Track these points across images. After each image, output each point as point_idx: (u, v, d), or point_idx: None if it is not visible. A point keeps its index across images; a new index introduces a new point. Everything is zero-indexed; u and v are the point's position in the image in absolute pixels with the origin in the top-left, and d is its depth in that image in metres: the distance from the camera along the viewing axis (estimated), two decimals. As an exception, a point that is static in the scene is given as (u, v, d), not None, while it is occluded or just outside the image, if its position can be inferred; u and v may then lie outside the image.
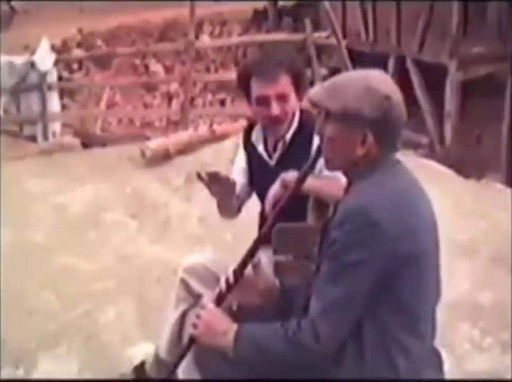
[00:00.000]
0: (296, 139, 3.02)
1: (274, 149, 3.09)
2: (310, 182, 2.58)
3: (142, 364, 3.42)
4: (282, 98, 2.94)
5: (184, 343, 2.91)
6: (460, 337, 4.07)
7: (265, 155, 3.12)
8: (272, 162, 3.09)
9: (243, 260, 2.54)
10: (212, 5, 16.53)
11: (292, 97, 2.97)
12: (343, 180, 2.34)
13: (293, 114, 3.02)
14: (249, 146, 3.20)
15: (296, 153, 2.95)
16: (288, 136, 3.03)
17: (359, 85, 2.14)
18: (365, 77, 2.18)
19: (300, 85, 2.99)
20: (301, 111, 3.07)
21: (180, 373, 2.78)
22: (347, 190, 2.25)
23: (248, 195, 3.27)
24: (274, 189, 2.76)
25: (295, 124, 3.03)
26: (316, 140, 2.83)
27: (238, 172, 3.25)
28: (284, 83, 2.93)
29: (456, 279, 4.57)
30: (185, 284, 3.17)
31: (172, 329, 3.21)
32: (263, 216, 3.05)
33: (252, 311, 2.51)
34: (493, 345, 4.00)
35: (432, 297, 2.26)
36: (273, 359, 2.18)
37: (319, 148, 2.37)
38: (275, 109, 2.93)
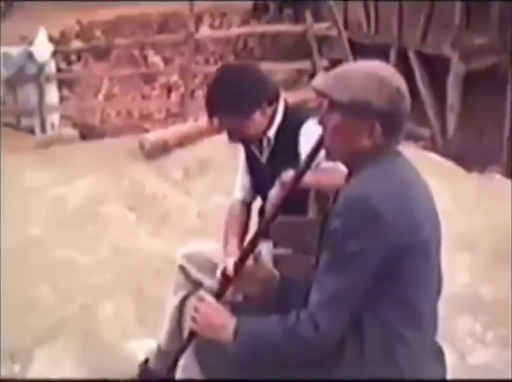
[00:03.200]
0: (282, 136, 2.98)
1: (261, 146, 3.07)
2: (310, 176, 2.56)
3: (146, 361, 3.40)
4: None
5: (184, 331, 2.90)
6: (461, 331, 4.05)
7: (257, 153, 3.09)
8: (263, 159, 3.06)
9: (243, 253, 2.52)
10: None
11: (249, 125, 2.93)
12: (342, 168, 2.32)
13: (275, 112, 2.97)
14: (245, 143, 3.18)
15: (283, 150, 2.92)
16: (271, 133, 2.99)
17: (369, 75, 2.10)
18: (374, 68, 2.14)
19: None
20: (286, 106, 3.02)
21: (180, 369, 2.76)
22: (347, 180, 2.22)
23: (255, 196, 3.25)
24: (274, 192, 2.73)
25: (278, 121, 2.99)
26: (302, 137, 2.82)
27: (244, 172, 3.23)
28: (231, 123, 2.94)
29: (457, 272, 4.56)
30: (183, 270, 3.15)
31: (171, 316, 3.21)
32: (262, 213, 3.03)
33: (252, 303, 2.50)
34: (494, 339, 3.99)
35: (433, 291, 2.23)
36: (273, 352, 2.15)
37: (316, 145, 2.34)
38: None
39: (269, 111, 2.95)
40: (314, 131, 2.70)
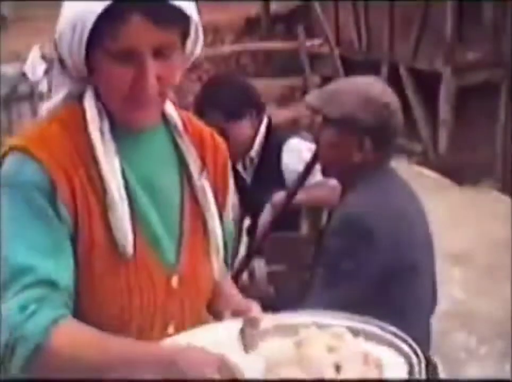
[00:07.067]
0: (265, 154, 2.92)
1: (244, 165, 3.00)
2: (301, 194, 2.57)
3: None
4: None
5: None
6: (455, 345, 4.05)
7: (242, 172, 3.01)
8: (248, 179, 3.00)
9: (236, 272, 2.52)
10: (204, 13, 16.51)
11: (237, 130, 2.82)
12: (332, 184, 2.33)
13: (257, 131, 2.90)
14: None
15: (267, 169, 2.88)
16: (253, 152, 2.92)
17: (359, 92, 2.13)
18: (364, 84, 2.17)
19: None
20: (269, 124, 2.96)
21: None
22: (342, 197, 2.23)
23: (244, 215, 3.21)
24: (266, 212, 2.72)
25: (260, 139, 2.92)
26: (285, 156, 2.80)
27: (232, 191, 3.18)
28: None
29: (451, 287, 4.55)
30: None
31: None
32: (250, 233, 3.00)
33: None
34: (489, 353, 3.98)
35: (426, 308, 2.23)
36: None
37: (309, 163, 2.36)
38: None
39: (255, 123, 2.91)
40: (297, 149, 2.70)
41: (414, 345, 1.27)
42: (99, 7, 1.23)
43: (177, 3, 1.26)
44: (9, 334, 1.16)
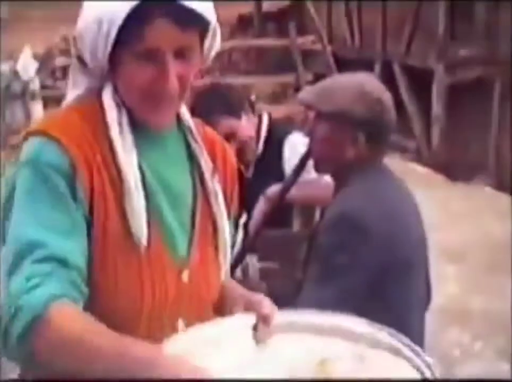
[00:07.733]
0: (266, 150, 2.91)
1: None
2: (295, 190, 2.55)
3: None
4: (231, 136, 2.75)
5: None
6: (449, 342, 4.05)
7: (244, 171, 3.01)
8: (249, 174, 3.00)
9: (230, 268, 2.51)
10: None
11: (242, 125, 2.80)
12: (328, 180, 2.32)
13: (259, 128, 2.90)
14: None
15: (268, 164, 2.86)
16: (259, 148, 2.90)
17: (352, 87, 2.13)
18: (358, 80, 2.17)
19: (241, 108, 2.83)
20: (270, 120, 2.98)
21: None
22: (335, 194, 2.22)
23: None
24: (259, 207, 2.71)
25: (263, 135, 2.91)
26: (286, 151, 2.80)
27: None
28: (227, 125, 2.75)
29: (445, 284, 4.55)
30: None
31: None
32: (245, 228, 3.00)
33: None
34: (483, 350, 3.98)
35: (420, 304, 2.22)
36: None
37: (302, 159, 2.35)
38: (233, 146, 2.79)
39: (251, 118, 2.91)
40: (298, 144, 2.70)
41: (427, 359, 1.28)
42: (127, 7, 1.27)
43: (199, 9, 1.30)
44: (12, 303, 1.19)
